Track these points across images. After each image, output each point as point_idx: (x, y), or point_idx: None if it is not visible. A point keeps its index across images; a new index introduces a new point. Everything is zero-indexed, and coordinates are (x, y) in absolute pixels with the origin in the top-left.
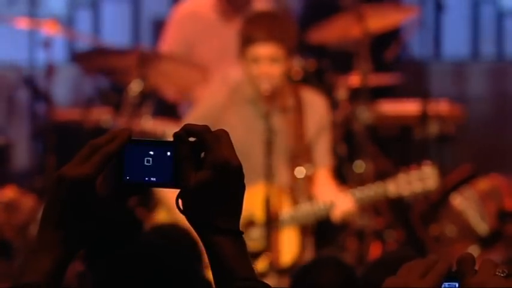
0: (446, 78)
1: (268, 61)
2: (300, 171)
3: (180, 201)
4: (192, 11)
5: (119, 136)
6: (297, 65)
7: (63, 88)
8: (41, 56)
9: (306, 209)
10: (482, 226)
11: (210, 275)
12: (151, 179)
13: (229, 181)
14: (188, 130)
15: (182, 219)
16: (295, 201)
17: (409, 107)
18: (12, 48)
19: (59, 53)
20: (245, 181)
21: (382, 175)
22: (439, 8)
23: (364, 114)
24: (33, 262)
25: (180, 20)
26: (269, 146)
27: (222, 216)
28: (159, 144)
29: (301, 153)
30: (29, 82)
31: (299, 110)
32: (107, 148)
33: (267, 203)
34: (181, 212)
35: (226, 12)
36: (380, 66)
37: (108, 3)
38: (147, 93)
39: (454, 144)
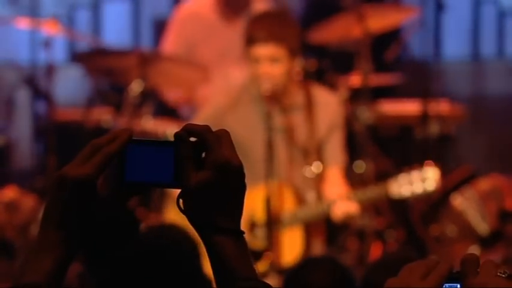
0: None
1: (269, 61)
2: (310, 170)
3: (181, 201)
4: (194, 12)
5: (120, 136)
6: (298, 65)
7: (64, 88)
8: (42, 56)
9: (308, 208)
10: (482, 226)
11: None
12: (152, 178)
13: (230, 181)
14: (189, 130)
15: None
16: (300, 200)
17: (409, 107)
18: (12, 48)
19: (59, 53)
20: (247, 181)
21: (382, 175)
22: (439, 8)
23: (365, 114)
24: (33, 262)
25: (182, 21)
26: (270, 145)
27: (223, 216)
28: (160, 144)
29: (311, 151)
30: (30, 82)
31: (310, 107)
32: (108, 148)
33: (268, 203)
34: (182, 212)
35: (226, 13)
36: (381, 66)
37: (109, 3)
38: (148, 93)
39: (454, 144)
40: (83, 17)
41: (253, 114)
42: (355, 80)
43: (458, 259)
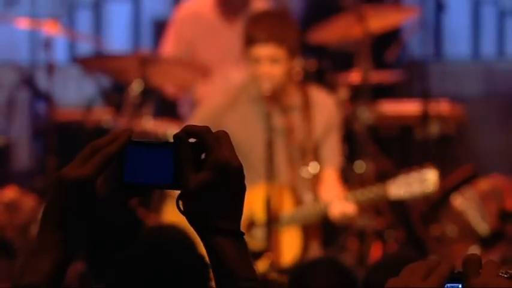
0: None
1: (269, 61)
2: (306, 170)
3: (180, 202)
4: (193, 12)
5: (120, 137)
6: (298, 65)
7: (64, 88)
8: (42, 56)
9: (305, 209)
10: (483, 226)
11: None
12: (152, 180)
13: (230, 182)
14: (188, 131)
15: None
16: (298, 201)
17: (409, 107)
18: (12, 48)
19: (59, 53)
20: (246, 181)
21: (382, 175)
22: (439, 8)
23: (365, 115)
24: (33, 263)
25: (181, 21)
26: (270, 145)
27: (223, 217)
28: (159, 145)
29: (308, 152)
30: (30, 82)
31: (307, 108)
32: (107, 149)
33: (268, 203)
34: (182, 213)
35: (226, 12)
36: (381, 66)
37: (109, 4)
38: (148, 94)
39: (454, 144)
40: (83, 17)
41: (252, 114)
42: (355, 80)
43: (459, 259)
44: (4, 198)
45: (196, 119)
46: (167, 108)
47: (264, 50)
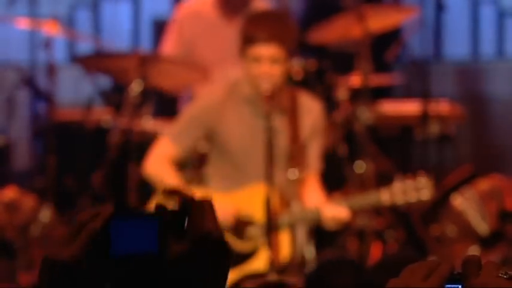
0: (446, 78)
1: (269, 61)
2: (293, 173)
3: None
4: (194, 11)
5: (102, 213)
6: (298, 65)
7: (64, 88)
8: (42, 56)
9: (299, 213)
10: (482, 226)
11: None
12: (137, 250)
13: (209, 254)
14: (173, 195)
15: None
16: (286, 203)
17: (409, 107)
18: (12, 48)
19: (59, 53)
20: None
21: (382, 175)
22: (439, 8)
23: (365, 115)
24: None
25: (182, 20)
26: (269, 146)
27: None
28: (144, 216)
29: (294, 155)
30: (30, 82)
31: (294, 112)
32: (91, 225)
33: (268, 203)
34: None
35: (226, 12)
36: (380, 66)
37: (109, 3)
38: (148, 94)
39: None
40: (83, 17)
41: (247, 114)
42: (355, 80)
43: (459, 259)
44: (4, 198)
45: (187, 116)
46: (167, 108)
47: (265, 50)
